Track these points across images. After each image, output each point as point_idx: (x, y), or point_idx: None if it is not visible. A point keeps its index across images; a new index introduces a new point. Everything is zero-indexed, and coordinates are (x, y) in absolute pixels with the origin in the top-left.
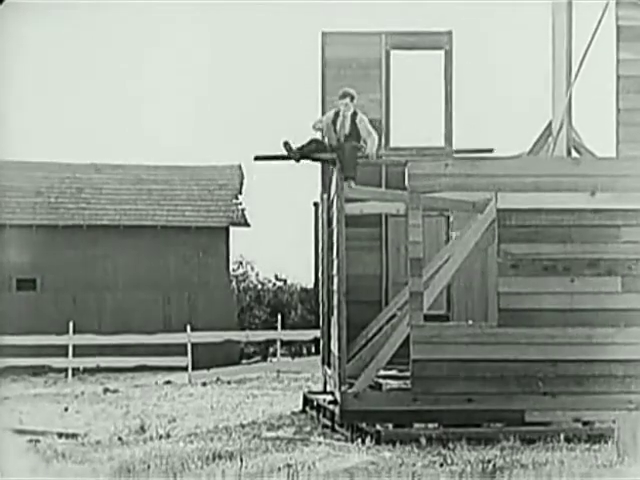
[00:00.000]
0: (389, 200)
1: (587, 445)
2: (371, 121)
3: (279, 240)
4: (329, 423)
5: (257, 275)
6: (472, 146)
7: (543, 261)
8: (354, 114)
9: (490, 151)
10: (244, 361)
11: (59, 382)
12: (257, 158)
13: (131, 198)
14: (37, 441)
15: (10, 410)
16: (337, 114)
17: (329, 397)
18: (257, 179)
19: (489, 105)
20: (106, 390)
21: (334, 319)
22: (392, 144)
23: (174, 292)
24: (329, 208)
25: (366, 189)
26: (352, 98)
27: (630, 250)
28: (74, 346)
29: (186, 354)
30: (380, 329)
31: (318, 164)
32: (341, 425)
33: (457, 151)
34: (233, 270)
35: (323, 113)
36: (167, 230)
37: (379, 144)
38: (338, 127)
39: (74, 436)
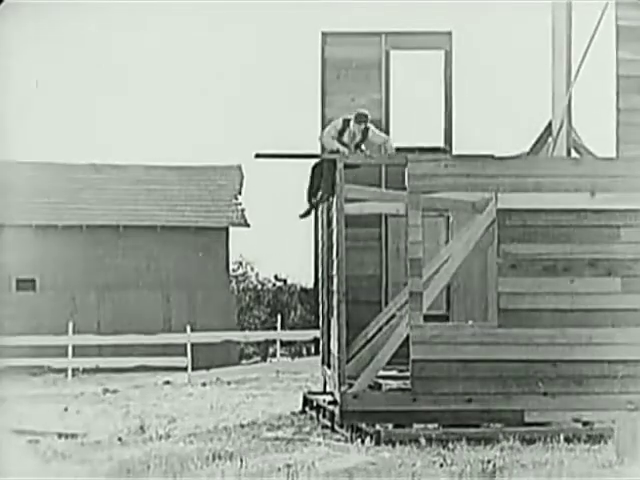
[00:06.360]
0: (389, 200)
1: (587, 445)
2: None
3: (279, 240)
4: (329, 423)
5: (257, 275)
6: (472, 147)
7: (543, 261)
8: (366, 129)
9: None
10: (244, 361)
11: (59, 382)
12: (257, 156)
13: (131, 198)
14: (37, 441)
15: (10, 410)
16: (346, 122)
17: (329, 397)
18: (257, 179)
19: (489, 105)
20: (106, 390)
21: (334, 319)
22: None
23: (174, 292)
24: (329, 208)
25: (366, 189)
26: (367, 119)
27: (630, 250)
28: (74, 346)
29: (186, 354)
30: (380, 329)
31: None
32: (341, 425)
33: (455, 157)
34: (233, 270)
35: (323, 113)
36: (167, 230)
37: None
38: (346, 138)
39: (74, 436)
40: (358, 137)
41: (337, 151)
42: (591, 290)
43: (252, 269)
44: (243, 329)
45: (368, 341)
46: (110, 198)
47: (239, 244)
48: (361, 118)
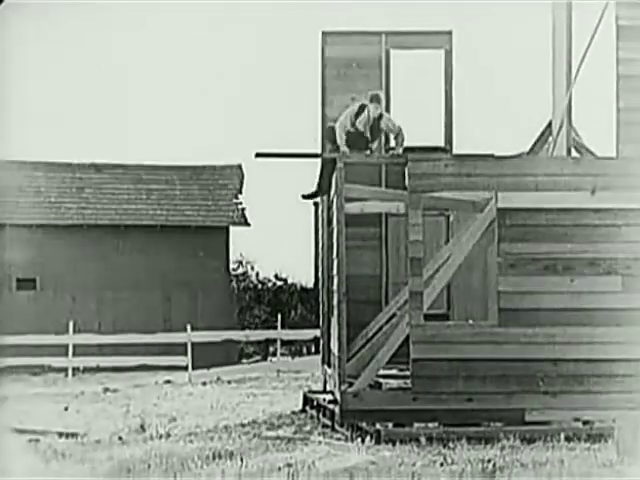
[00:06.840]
0: (389, 199)
1: (587, 444)
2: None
3: (279, 240)
4: (329, 422)
5: (257, 275)
6: (472, 147)
7: (543, 260)
8: (380, 116)
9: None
10: (244, 360)
11: (59, 382)
12: (258, 155)
13: (131, 198)
14: (37, 441)
15: (10, 409)
16: (362, 108)
17: (329, 396)
18: (257, 179)
19: (489, 105)
20: (106, 389)
21: (334, 319)
22: (392, 143)
23: (174, 292)
24: (329, 207)
25: (366, 188)
26: (380, 101)
27: (630, 249)
28: (74, 345)
29: (186, 353)
30: (380, 329)
31: (318, 162)
32: (341, 424)
33: (456, 156)
34: (233, 270)
35: (323, 113)
36: (167, 230)
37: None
38: (358, 124)
39: (74, 435)
40: (371, 121)
41: (337, 149)
42: (591, 289)
43: (252, 268)
44: (243, 328)
45: (368, 340)
46: (110, 198)
47: (239, 243)
48: (375, 98)
